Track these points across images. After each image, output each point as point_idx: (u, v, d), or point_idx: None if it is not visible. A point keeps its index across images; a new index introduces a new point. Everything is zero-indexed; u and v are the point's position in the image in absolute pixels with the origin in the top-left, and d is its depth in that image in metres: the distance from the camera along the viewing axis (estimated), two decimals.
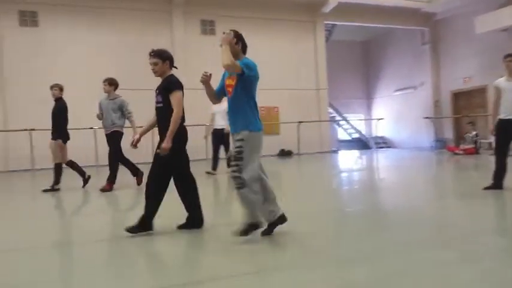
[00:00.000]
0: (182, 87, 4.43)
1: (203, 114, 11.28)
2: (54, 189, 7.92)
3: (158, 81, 4.51)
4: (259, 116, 4.05)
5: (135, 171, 8.06)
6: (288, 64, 17.56)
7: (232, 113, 4.00)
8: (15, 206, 7.01)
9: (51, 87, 7.92)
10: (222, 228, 4.53)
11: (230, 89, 4.01)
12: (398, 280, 2.89)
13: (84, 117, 11.43)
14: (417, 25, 19.75)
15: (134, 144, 4.77)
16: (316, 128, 17.80)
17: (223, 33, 4.00)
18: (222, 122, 9.68)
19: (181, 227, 4.49)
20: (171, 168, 4.38)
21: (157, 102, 4.45)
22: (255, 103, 4.01)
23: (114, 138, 7.84)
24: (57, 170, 8.03)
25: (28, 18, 14.14)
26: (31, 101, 13.41)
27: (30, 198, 8.01)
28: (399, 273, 3.01)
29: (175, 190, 4.54)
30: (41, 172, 12.43)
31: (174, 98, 4.32)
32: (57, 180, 8.01)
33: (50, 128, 8.04)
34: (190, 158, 4.56)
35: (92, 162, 13.05)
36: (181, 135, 4.37)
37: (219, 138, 9.99)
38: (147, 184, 4.34)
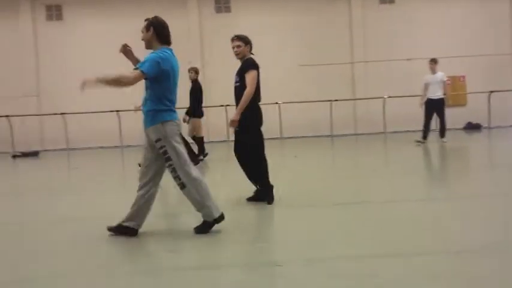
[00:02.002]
0: (258, 68, 4.82)
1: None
2: (199, 159, 8.95)
3: None
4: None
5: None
6: (476, 28, 15.98)
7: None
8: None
9: (188, 70, 8.93)
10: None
11: None
12: None
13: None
14: None
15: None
16: (510, 97, 15.92)
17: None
18: (438, 92, 10.16)
19: (250, 199, 4.96)
20: (256, 139, 4.84)
21: (235, 82, 4.89)
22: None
23: None
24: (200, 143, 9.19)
25: (54, 12, 15.65)
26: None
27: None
28: None
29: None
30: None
31: (248, 76, 4.69)
32: (201, 150, 9.19)
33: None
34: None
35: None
36: (255, 114, 4.78)
37: (433, 107, 10.24)
38: (242, 163, 4.91)
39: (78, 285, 2.82)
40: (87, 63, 15.08)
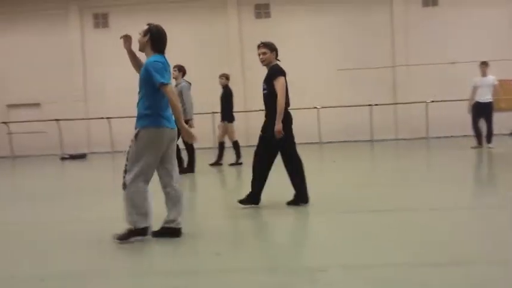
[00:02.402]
0: (285, 74, 4.85)
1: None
2: (238, 163, 9.16)
3: None
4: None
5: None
6: None
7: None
8: None
9: (219, 77, 9.10)
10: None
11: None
12: None
13: None
14: None
15: None
16: None
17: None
18: (487, 96, 9.94)
19: (289, 203, 4.96)
20: (275, 149, 4.87)
21: (263, 89, 4.97)
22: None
23: None
24: (234, 147, 9.31)
25: (100, 20, 16.22)
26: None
27: None
28: None
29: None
30: None
31: (277, 83, 4.75)
32: (220, 155, 9.30)
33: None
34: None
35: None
36: (284, 118, 4.76)
37: (481, 111, 10.03)
38: (253, 165, 4.98)
39: (123, 284, 2.98)
40: (130, 68, 15.56)
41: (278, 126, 4.75)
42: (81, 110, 16.03)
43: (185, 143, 7.79)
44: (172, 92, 3.74)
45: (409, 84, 15.32)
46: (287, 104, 4.94)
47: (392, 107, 15.29)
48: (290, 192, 5.07)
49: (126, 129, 15.12)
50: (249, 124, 15.49)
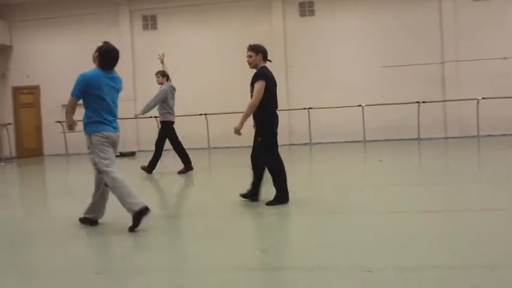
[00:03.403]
0: (267, 77, 4.90)
1: None
2: None
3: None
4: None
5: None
6: None
7: None
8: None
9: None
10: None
11: None
12: None
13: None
14: None
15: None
16: None
17: None
18: None
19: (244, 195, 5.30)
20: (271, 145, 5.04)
21: (250, 92, 5.03)
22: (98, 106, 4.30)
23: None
24: None
25: (149, 22, 16.61)
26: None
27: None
28: None
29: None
30: (318, 146, 14.16)
31: (256, 87, 4.88)
32: None
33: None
34: None
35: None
36: (269, 121, 4.95)
37: None
38: (271, 168, 5.06)
39: (176, 279, 3.11)
40: (178, 69, 16.00)
41: (239, 125, 4.98)
42: (131, 109, 16.60)
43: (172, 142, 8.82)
44: (69, 103, 4.31)
45: (459, 80, 14.82)
46: (275, 106, 5.11)
47: (441, 104, 14.84)
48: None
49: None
50: (292, 122, 15.54)
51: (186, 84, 16.01)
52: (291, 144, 15.34)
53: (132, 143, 16.08)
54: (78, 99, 4.27)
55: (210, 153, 13.71)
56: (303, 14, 15.87)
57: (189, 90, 15.81)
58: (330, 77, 15.25)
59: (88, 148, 4.34)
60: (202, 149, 15.25)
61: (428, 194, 5.53)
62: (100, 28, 16.64)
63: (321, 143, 14.67)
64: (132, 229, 4.12)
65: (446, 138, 14.59)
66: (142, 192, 6.21)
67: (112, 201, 4.39)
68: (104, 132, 4.27)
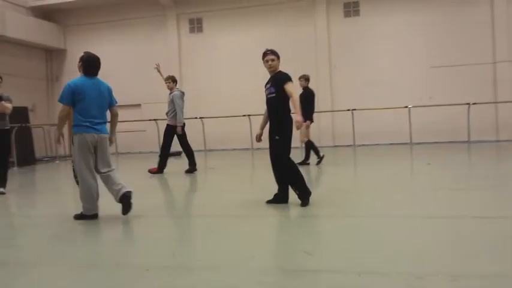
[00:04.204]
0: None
1: None
2: (305, 163, 9.32)
3: None
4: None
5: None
6: None
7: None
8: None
9: (299, 78, 9.06)
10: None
11: None
12: None
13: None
14: None
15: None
16: None
17: None
18: None
19: (269, 201, 5.36)
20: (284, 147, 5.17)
21: (270, 93, 5.09)
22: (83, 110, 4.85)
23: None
24: (310, 146, 9.39)
25: (195, 25, 16.86)
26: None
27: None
28: None
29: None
30: (361, 148, 13.97)
31: (292, 86, 5.12)
32: (315, 153, 9.39)
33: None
34: None
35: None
36: (289, 121, 5.08)
37: None
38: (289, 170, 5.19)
39: (208, 276, 3.20)
40: (223, 71, 16.29)
41: (300, 117, 5.03)
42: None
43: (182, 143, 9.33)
44: (61, 112, 4.89)
45: (511, 81, 14.22)
46: (289, 109, 5.25)
47: (492, 106, 14.30)
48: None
49: (218, 128, 16.00)
50: (335, 124, 15.43)
51: (231, 86, 16.26)
52: (334, 146, 15.23)
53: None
54: (69, 105, 4.83)
55: (253, 154, 13.84)
56: (347, 14, 15.72)
57: (234, 92, 16.08)
58: (374, 78, 15.04)
59: (72, 143, 4.87)
60: (247, 149, 15.41)
61: (482, 199, 5.38)
62: (148, 31, 17.18)
63: (364, 145, 14.48)
64: (77, 217, 4.97)
65: (497, 141, 14.04)
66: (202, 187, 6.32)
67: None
68: (85, 134, 4.81)
